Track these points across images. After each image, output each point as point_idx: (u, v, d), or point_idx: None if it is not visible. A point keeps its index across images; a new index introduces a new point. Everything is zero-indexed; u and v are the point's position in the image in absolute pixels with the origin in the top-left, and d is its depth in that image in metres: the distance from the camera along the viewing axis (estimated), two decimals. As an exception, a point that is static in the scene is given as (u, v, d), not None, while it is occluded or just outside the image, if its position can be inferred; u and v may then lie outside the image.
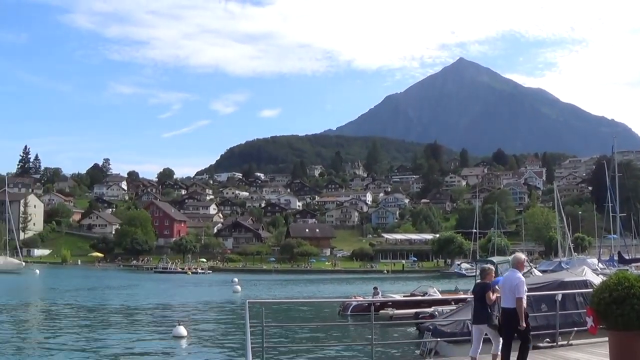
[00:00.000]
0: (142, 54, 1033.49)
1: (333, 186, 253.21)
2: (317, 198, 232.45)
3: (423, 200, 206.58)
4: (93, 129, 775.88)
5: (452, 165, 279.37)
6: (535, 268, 38.37)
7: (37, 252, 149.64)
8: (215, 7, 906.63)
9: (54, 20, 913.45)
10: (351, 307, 32.61)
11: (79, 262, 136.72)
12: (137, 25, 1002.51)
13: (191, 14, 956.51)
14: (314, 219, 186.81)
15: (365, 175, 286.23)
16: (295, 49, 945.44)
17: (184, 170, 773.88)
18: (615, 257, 58.18)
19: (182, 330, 25.02)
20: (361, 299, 33.81)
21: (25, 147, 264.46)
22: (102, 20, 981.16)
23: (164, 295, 55.58)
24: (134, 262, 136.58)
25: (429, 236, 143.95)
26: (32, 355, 21.11)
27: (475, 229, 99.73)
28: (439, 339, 15.64)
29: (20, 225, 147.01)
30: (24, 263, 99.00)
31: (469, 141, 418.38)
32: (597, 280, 15.67)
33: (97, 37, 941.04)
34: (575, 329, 13.22)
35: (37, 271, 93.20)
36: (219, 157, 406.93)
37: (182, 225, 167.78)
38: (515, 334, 9.69)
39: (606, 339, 8.47)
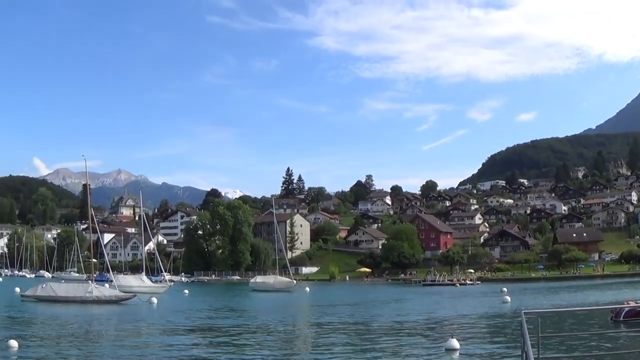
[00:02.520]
0: (393, 69, 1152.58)
1: (597, 187, 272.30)
2: (582, 201, 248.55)
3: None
4: (352, 147, 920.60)
5: None
6: None
7: (305, 269, 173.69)
8: (459, 16, 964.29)
9: (302, 45, 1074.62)
10: (624, 312, 34.13)
11: (347, 278, 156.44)
12: (384, 41, 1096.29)
13: (436, 24, 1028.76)
14: (580, 223, 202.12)
15: (629, 173, 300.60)
16: (544, 49, 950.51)
17: (447, 181, 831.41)
18: None
19: (454, 342, 27.08)
20: (633, 303, 35.82)
21: (288, 169, 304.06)
22: (348, 40, 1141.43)
23: (433, 308, 60.69)
24: (402, 275, 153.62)
25: None
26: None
27: None
28: None
29: (288, 245, 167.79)
30: (295, 281, 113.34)
31: None
32: None
33: (346, 57, 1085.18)
34: None
35: (307, 289, 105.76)
36: (480, 166, 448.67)
37: (448, 236, 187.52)
38: None
39: None
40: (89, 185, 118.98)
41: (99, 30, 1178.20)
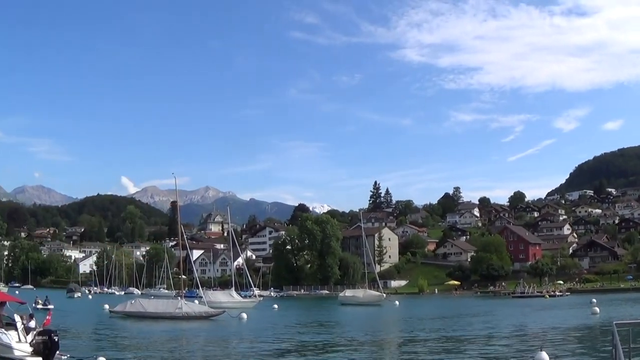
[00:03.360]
0: (477, 79, 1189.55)
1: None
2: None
3: None
4: (439, 159, 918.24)
5: None
6: None
7: (394, 283, 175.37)
8: (542, 24, 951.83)
9: (385, 58, 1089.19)
10: None
11: (436, 291, 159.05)
12: (468, 52, 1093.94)
13: (518, 34, 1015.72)
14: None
15: None
16: (628, 55, 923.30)
17: (535, 192, 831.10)
18: None
19: (544, 355, 26.57)
20: None
21: (375, 182, 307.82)
22: (431, 52, 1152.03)
23: (522, 320, 61.57)
24: (491, 288, 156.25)
25: None
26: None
27: None
28: None
29: (376, 258, 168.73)
30: (384, 295, 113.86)
31: None
32: None
33: (430, 69, 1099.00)
34: None
35: (397, 302, 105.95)
36: (567, 176, 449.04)
37: (537, 248, 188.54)
38: None
39: None
40: (178, 202, 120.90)
41: (183, 49, 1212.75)
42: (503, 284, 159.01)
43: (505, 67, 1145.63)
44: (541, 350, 27.44)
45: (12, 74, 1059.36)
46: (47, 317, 32.82)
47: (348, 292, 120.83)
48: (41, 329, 30.05)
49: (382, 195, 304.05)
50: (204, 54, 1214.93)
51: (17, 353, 27.88)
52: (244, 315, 65.61)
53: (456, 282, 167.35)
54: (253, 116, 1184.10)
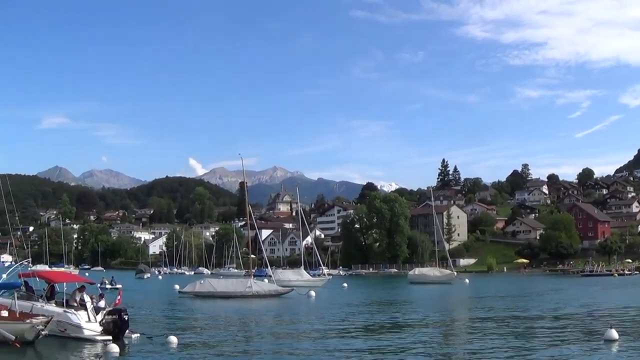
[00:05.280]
0: (542, 55, 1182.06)
1: None
2: None
3: None
4: (506, 136, 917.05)
5: None
6: None
7: (463, 261, 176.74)
8: None
9: (448, 35, 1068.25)
10: None
11: (505, 270, 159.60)
12: (531, 27, 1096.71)
13: (581, 8, 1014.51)
14: None
15: None
16: None
17: (603, 168, 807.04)
18: None
19: (613, 333, 27.44)
20: None
21: (444, 160, 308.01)
22: (495, 27, 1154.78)
23: (591, 298, 61.97)
24: (560, 266, 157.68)
25: None
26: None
27: None
28: None
29: (445, 237, 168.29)
30: (455, 273, 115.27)
31: None
32: None
33: (494, 45, 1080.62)
34: None
35: (467, 280, 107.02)
36: (636, 152, 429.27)
37: (606, 225, 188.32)
38: None
39: None
40: (246, 183, 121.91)
41: (245, 32, 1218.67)
42: (572, 262, 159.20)
43: (569, 42, 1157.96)
44: (611, 328, 27.96)
45: (78, 61, 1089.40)
46: (118, 297, 33.31)
47: (417, 271, 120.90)
48: (111, 308, 30.51)
49: (450, 173, 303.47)
50: (266, 36, 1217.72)
51: (86, 332, 28.34)
52: (313, 293, 65.83)
53: (525, 260, 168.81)
54: (318, 96, 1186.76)
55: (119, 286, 72.72)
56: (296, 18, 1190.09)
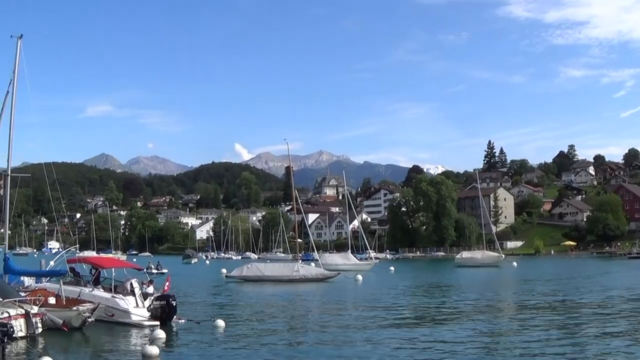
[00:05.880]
0: (585, 34, 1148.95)
1: None
2: None
3: None
4: (551, 116, 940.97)
5: None
6: None
7: (510, 244, 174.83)
8: None
9: (490, 15, 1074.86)
10: None
11: (552, 252, 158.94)
12: (574, 6, 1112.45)
13: None
14: None
15: None
16: None
17: None
18: None
19: None
20: None
21: (489, 142, 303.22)
22: (537, 7, 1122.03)
23: (638, 281, 61.19)
24: (607, 248, 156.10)
25: None
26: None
27: None
28: None
29: (492, 219, 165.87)
30: (503, 256, 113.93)
31: None
32: None
33: (537, 25, 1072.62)
34: None
35: (515, 263, 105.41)
36: None
37: None
38: None
39: None
40: (292, 167, 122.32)
41: (288, 16, 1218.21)
42: (619, 244, 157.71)
43: (612, 20, 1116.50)
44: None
45: (121, 50, 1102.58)
46: (167, 283, 33.56)
47: (465, 254, 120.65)
48: (159, 294, 30.76)
49: (497, 154, 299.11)
50: (310, 20, 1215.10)
51: (134, 318, 28.62)
52: (359, 277, 65.99)
53: (572, 243, 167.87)
54: (362, 79, 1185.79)
55: (164, 271, 73.56)
56: (338, 2, 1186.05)
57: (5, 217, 33.11)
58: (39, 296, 26.47)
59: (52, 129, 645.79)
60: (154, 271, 72.79)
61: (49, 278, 32.60)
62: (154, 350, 21.21)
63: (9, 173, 33.07)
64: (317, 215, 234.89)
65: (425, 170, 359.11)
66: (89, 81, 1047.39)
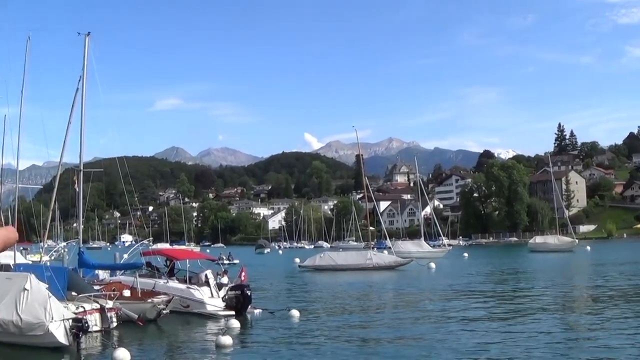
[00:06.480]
0: None
1: None
2: None
3: None
4: (620, 97, 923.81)
5: None
6: None
7: (582, 228, 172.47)
8: None
9: None
10: None
11: (624, 235, 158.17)
12: None
13: None
14: None
15: None
16: None
17: None
18: None
19: None
20: None
21: (559, 125, 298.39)
22: None
23: None
24: None
25: None
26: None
27: None
28: None
29: (564, 203, 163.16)
30: (577, 240, 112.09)
31: None
32: None
33: (602, 4, 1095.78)
34: None
35: (588, 247, 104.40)
36: None
37: None
38: None
39: None
40: (362, 155, 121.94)
41: (354, 4, 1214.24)
42: None
43: None
44: None
45: (189, 43, 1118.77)
46: (243, 273, 33.60)
47: (538, 239, 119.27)
48: (233, 284, 30.84)
49: (567, 137, 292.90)
50: (375, 7, 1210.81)
51: (209, 308, 28.76)
52: (432, 265, 65.60)
53: None
54: (429, 65, 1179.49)
55: (236, 262, 74.02)
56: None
57: (79, 211, 33.54)
58: (114, 289, 26.75)
59: (122, 123, 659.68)
60: (225, 262, 73.27)
61: (123, 271, 33.04)
62: (227, 340, 21.32)
63: (82, 168, 33.52)
64: (388, 202, 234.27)
65: (496, 154, 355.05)
66: (157, 75, 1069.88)
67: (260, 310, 30.01)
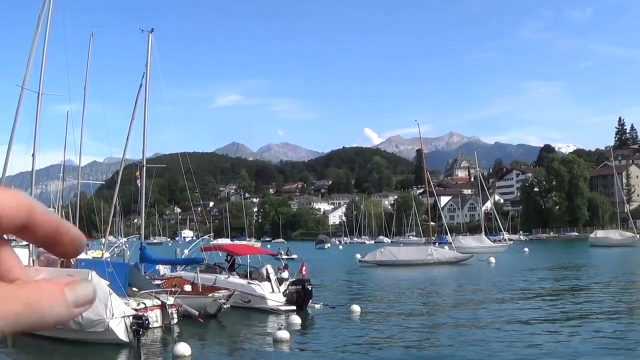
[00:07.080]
0: None
1: None
2: None
3: None
4: None
5: None
6: None
7: None
8: None
9: None
10: None
11: None
12: None
13: None
14: None
15: None
16: None
17: None
18: None
19: None
20: None
21: (620, 118, 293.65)
22: None
23: None
24: None
25: None
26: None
27: None
28: None
29: (625, 197, 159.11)
30: (638, 235, 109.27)
31: None
32: None
33: None
34: None
35: None
36: None
37: None
38: None
39: None
40: (423, 150, 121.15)
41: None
42: None
43: None
44: None
45: (248, 40, 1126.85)
46: (303, 268, 33.55)
47: (599, 233, 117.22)
48: (294, 279, 30.82)
49: (627, 131, 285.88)
50: (435, 0, 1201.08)
51: (270, 303, 28.75)
52: (492, 260, 65.10)
53: None
54: (488, 59, 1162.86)
55: (294, 257, 74.18)
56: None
57: (142, 207, 33.90)
58: (175, 284, 26.91)
59: (182, 119, 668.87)
60: (284, 257, 73.43)
61: (184, 266, 33.28)
62: (284, 334, 21.44)
63: (144, 164, 33.85)
64: (449, 197, 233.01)
65: (556, 149, 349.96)
66: (217, 72, 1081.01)
67: (321, 305, 29.91)
